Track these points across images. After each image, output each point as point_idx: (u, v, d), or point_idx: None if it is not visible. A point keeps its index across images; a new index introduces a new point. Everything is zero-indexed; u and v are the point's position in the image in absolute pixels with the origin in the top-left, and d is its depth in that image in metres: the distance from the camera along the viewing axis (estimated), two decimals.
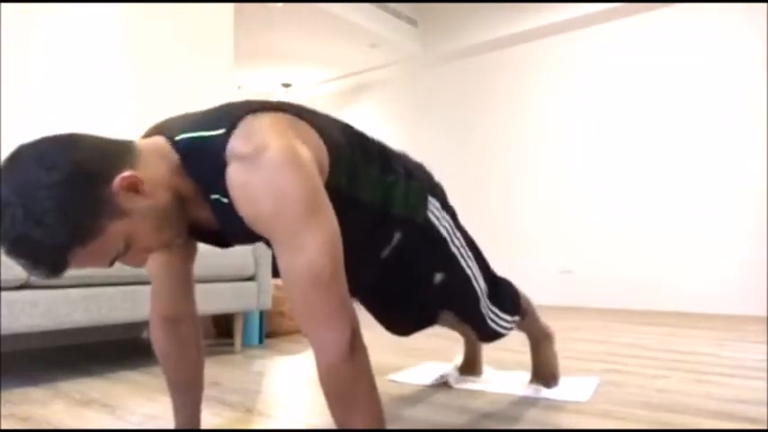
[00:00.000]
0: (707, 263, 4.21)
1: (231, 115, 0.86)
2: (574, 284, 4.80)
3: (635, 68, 4.62)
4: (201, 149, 0.83)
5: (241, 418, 1.49)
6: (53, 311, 1.86)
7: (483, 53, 5.47)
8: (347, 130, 1.08)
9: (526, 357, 1.77)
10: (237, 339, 2.56)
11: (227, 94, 3.38)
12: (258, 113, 0.87)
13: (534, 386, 1.71)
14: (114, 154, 0.81)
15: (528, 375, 1.77)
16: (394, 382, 1.88)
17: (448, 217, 1.30)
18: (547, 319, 1.74)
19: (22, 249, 0.75)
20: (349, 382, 0.84)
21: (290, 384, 1.93)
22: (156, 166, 0.84)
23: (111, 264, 0.84)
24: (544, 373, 1.70)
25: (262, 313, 2.79)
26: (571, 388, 1.71)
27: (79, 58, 2.79)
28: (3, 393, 1.75)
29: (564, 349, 2.52)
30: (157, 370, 2.09)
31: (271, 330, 2.94)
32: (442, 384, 1.83)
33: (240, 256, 2.47)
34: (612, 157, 4.71)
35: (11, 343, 2.30)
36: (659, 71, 4.51)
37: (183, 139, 0.85)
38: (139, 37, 3.03)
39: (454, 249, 1.29)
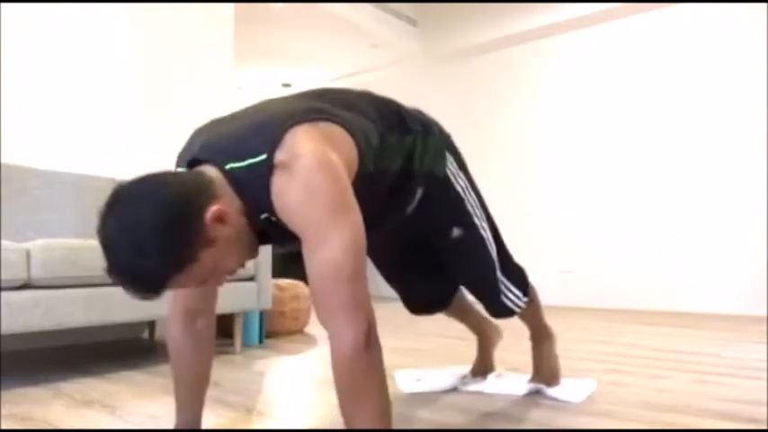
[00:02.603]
0: (707, 263, 4.21)
1: (270, 137, 0.91)
2: (574, 284, 4.79)
3: (635, 69, 4.62)
4: (251, 176, 0.91)
5: (241, 418, 1.49)
6: (53, 311, 1.86)
7: (483, 53, 5.47)
8: (370, 106, 1.15)
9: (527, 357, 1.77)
10: (237, 339, 2.56)
11: (227, 95, 3.39)
12: (294, 128, 0.91)
13: (534, 384, 1.71)
14: (200, 189, 0.89)
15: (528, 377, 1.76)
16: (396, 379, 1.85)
17: (463, 176, 1.38)
18: (547, 319, 1.75)
19: (128, 278, 0.86)
20: (360, 375, 0.88)
21: (290, 384, 1.93)
22: (230, 196, 0.92)
23: (201, 285, 0.94)
24: (545, 372, 1.72)
25: (262, 313, 2.79)
26: (568, 389, 1.70)
27: (78, 59, 2.78)
28: (3, 393, 1.75)
29: (564, 349, 2.51)
30: (158, 370, 2.09)
31: (271, 330, 2.94)
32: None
33: None
34: (613, 158, 4.71)
35: (11, 343, 2.30)
36: (659, 72, 4.51)
37: (234, 169, 0.92)
38: (139, 37, 3.03)
39: (469, 208, 1.36)
